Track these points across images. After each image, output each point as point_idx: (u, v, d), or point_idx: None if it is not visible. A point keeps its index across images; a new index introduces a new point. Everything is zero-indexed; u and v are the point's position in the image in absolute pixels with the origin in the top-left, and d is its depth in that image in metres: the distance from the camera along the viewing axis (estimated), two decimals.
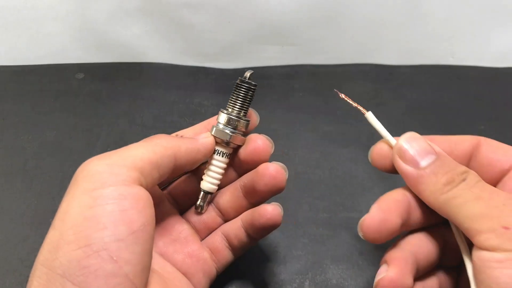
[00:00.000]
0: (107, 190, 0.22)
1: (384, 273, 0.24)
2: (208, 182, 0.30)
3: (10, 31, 0.51)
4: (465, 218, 0.22)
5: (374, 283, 0.25)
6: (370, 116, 0.27)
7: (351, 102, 0.28)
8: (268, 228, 0.28)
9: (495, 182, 0.27)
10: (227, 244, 0.30)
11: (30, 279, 0.22)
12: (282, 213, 0.28)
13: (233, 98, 0.29)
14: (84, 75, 0.52)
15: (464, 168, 0.24)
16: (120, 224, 0.21)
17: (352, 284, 0.34)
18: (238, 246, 0.30)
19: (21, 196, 0.39)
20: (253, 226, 0.28)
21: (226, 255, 0.30)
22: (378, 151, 0.27)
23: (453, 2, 0.50)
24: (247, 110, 0.30)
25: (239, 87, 0.29)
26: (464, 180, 0.23)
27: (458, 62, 0.53)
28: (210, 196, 0.30)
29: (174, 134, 0.29)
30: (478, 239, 0.21)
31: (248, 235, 0.29)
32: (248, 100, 0.29)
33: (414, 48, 0.53)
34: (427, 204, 0.24)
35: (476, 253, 0.22)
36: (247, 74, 0.29)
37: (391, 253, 0.25)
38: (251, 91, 0.29)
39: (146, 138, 0.26)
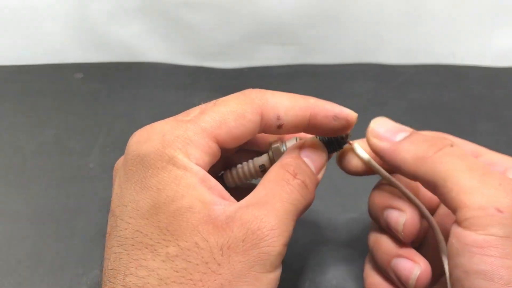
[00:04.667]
0: None
1: (417, 270, 0.24)
2: None
3: (9, 31, 0.51)
4: (453, 187, 0.21)
5: (413, 284, 0.24)
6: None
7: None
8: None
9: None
10: None
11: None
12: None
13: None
14: (83, 75, 0.52)
15: (444, 135, 0.24)
16: None
17: (352, 285, 0.34)
18: None
19: (20, 196, 0.39)
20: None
21: None
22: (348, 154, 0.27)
23: (454, 2, 0.50)
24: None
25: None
26: (451, 145, 0.22)
27: (459, 61, 0.53)
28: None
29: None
30: (464, 214, 0.20)
31: None
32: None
33: (415, 47, 0.53)
34: (408, 173, 0.23)
35: (457, 231, 0.20)
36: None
37: (404, 250, 0.26)
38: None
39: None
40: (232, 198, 0.23)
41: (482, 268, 0.19)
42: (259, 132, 0.25)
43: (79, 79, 0.51)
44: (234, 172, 0.28)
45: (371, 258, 0.29)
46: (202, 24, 0.50)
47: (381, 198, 0.27)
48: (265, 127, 0.24)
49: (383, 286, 0.27)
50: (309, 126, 0.24)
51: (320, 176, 0.26)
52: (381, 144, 0.24)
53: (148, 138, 0.23)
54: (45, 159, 0.42)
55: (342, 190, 0.40)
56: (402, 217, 0.25)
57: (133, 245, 0.21)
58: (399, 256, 0.26)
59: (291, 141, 0.26)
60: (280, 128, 0.24)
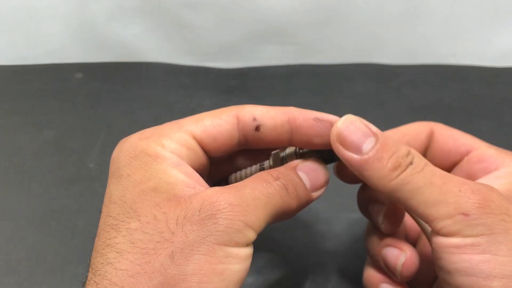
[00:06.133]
0: None
1: (403, 256, 0.25)
2: None
3: (9, 31, 0.51)
4: (419, 204, 0.22)
5: (399, 269, 0.25)
6: None
7: None
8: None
9: (445, 170, 0.27)
10: None
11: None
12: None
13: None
14: (83, 75, 0.52)
15: (406, 148, 0.23)
16: None
17: (352, 285, 0.34)
18: None
19: (20, 196, 0.39)
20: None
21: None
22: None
23: (454, 2, 0.50)
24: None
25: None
26: (411, 163, 0.22)
27: (459, 61, 0.53)
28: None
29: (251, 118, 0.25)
30: (436, 225, 0.21)
31: None
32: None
33: (415, 47, 0.53)
34: (376, 190, 0.23)
35: (434, 239, 0.22)
36: None
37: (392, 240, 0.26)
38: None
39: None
40: (209, 186, 0.23)
41: (462, 266, 0.20)
42: (241, 139, 0.25)
43: (79, 79, 0.51)
44: (237, 175, 0.28)
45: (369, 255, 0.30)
46: (202, 24, 0.50)
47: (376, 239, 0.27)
48: (243, 130, 0.25)
49: (378, 277, 0.28)
50: (292, 130, 0.25)
51: (315, 194, 0.25)
52: (348, 155, 0.23)
53: (129, 138, 0.25)
54: (45, 159, 0.42)
55: (342, 190, 0.40)
56: (402, 256, 0.26)
57: (103, 229, 0.22)
58: (388, 245, 0.26)
59: (291, 148, 0.26)
60: (258, 131, 0.25)
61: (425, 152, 0.28)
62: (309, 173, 0.25)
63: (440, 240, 0.21)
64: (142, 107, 0.48)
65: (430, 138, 0.28)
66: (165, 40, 0.52)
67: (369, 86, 0.51)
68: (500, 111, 0.48)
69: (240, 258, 0.21)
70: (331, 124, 0.24)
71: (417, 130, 0.28)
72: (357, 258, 0.35)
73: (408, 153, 0.23)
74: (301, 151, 0.26)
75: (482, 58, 0.53)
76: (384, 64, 0.53)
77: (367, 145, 0.23)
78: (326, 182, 0.25)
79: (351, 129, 0.23)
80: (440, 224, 0.21)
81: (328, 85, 0.51)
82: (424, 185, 0.22)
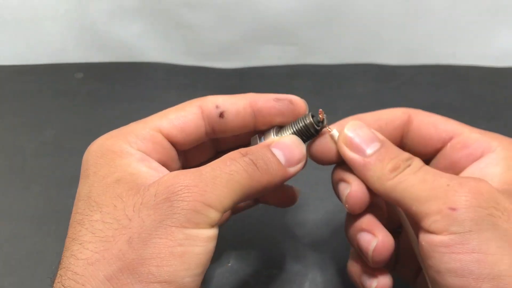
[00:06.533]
0: None
1: (375, 242, 0.25)
2: None
3: (9, 31, 0.51)
4: (412, 201, 0.22)
5: (371, 254, 0.25)
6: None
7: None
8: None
9: (429, 159, 0.27)
10: None
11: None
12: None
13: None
14: (83, 75, 0.52)
15: (408, 154, 0.24)
16: None
17: (352, 285, 0.34)
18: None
19: (20, 196, 0.39)
20: None
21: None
22: (320, 144, 0.26)
23: (454, 2, 0.50)
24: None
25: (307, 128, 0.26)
26: (409, 166, 0.23)
27: (459, 61, 0.53)
28: None
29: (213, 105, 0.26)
30: (426, 222, 0.21)
31: None
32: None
33: (415, 47, 0.53)
34: (374, 190, 0.24)
35: (424, 236, 0.21)
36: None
37: (366, 224, 0.26)
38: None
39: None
40: None
41: (452, 266, 0.20)
42: (208, 128, 0.26)
43: (79, 79, 0.51)
44: None
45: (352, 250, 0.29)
46: (202, 24, 0.50)
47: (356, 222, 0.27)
48: (208, 119, 0.26)
49: (359, 268, 0.28)
50: (254, 113, 0.26)
51: (292, 170, 0.25)
52: (352, 156, 0.25)
53: (97, 139, 0.25)
54: (45, 159, 0.42)
55: None
56: (374, 241, 0.25)
57: (71, 226, 0.22)
58: (361, 230, 0.26)
59: (269, 132, 0.27)
60: (222, 117, 0.26)
61: (402, 139, 0.28)
62: (283, 149, 0.25)
63: (430, 238, 0.21)
64: (142, 107, 0.48)
65: (408, 125, 0.27)
66: (165, 40, 0.52)
67: (369, 86, 0.51)
68: (500, 111, 0.48)
69: (201, 239, 0.20)
70: (291, 102, 0.26)
71: (393, 115, 0.28)
72: None
73: (408, 158, 0.23)
74: (278, 133, 0.26)
75: (482, 58, 0.53)
76: (384, 64, 0.53)
77: (371, 148, 0.24)
78: (303, 157, 0.25)
79: (357, 133, 0.25)
80: (430, 221, 0.21)
81: (328, 85, 0.51)
82: (417, 182, 0.22)
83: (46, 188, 0.40)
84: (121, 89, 0.50)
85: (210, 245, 0.21)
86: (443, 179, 0.22)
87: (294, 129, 0.26)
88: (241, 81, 0.52)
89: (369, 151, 0.24)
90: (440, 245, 0.21)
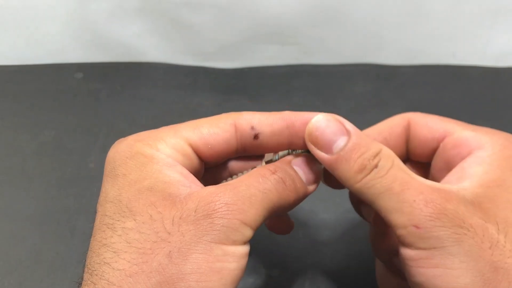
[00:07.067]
0: None
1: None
2: None
3: (9, 31, 0.51)
4: (381, 208, 0.22)
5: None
6: None
7: None
8: None
9: (429, 160, 0.27)
10: None
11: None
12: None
13: None
14: (83, 75, 0.52)
15: (376, 149, 0.22)
16: None
17: (352, 285, 0.34)
18: None
19: (20, 196, 0.39)
20: None
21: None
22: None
23: (454, 2, 0.50)
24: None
25: None
26: (376, 166, 0.22)
27: (459, 61, 0.53)
28: None
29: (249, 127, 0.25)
30: (395, 232, 0.21)
31: None
32: None
33: (415, 47, 0.53)
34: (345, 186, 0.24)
35: (400, 248, 0.22)
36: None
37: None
38: None
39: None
40: (203, 186, 0.23)
41: (418, 280, 0.21)
42: (239, 147, 0.25)
43: (79, 79, 0.51)
44: (234, 177, 0.28)
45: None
46: (202, 24, 0.50)
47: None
48: (241, 138, 0.25)
49: (387, 277, 0.28)
50: (291, 136, 0.25)
51: (311, 188, 0.25)
52: (319, 154, 0.23)
53: (125, 139, 0.25)
54: (45, 159, 0.42)
55: (342, 190, 0.40)
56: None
57: (99, 228, 0.22)
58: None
59: (284, 152, 0.26)
60: (257, 139, 0.25)
61: (407, 145, 0.27)
62: (303, 167, 0.25)
63: (402, 250, 0.21)
64: (142, 107, 0.48)
65: (408, 130, 0.27)
66: (165, 40, 0.52)
67: (369, 86, 0.51)
68: (500, 111, 0.48)
69: (237, 256, 0.21)
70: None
71: (393, 124, 0.27)
72: (357, 258, 0.35)
73: (377, 154, 0.22)
74: (293, 151, 0.26)
75: (482, 58, 0.53)
76: (384, 64, 0.53)
77: (338, 144, 0.23)
78: (320, 176, 0.26)
79: (322, 128, 0.23)
80: (398, 232, 0.21)
81: (328, 85, 0.51)
82: (384, 191, 0.22)
83: (46, 188, 0.40)
84: (121, 89, 0.50)
85: (244, 261, 0.21)
86: (410, 192, 0.21)
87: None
88: (241, 81, 0.52)
89: (335, 148, 0.23)
90: (409, 259, 0.21)
